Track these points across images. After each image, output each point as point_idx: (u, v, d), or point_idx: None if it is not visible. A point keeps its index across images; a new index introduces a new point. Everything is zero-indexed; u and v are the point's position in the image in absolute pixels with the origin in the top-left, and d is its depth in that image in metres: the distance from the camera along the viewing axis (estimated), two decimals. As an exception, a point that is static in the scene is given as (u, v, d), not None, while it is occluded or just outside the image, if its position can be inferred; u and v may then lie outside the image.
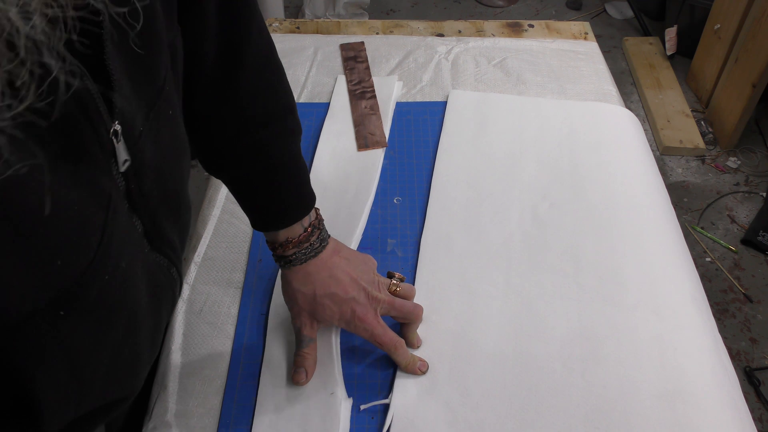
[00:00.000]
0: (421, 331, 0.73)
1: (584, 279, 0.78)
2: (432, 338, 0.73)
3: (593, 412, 0.66)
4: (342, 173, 0.91)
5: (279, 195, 0.65)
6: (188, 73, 0.57)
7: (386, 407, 0.67)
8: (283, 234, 0.66)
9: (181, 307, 0.76)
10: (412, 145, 0.97)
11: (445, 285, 0.75)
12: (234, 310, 0.76)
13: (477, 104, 1.02)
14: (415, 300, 0.73)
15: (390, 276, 0.72)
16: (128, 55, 0.41)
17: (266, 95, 0.63)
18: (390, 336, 0.67)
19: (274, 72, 0.63)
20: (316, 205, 0.69)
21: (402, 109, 1.02)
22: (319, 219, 0.68)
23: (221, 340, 0.74)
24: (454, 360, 0.71)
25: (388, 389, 0.69)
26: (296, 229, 0.66)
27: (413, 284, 0.77)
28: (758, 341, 1.71)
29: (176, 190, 0.55)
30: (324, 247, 0.68)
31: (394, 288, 0.70)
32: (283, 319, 0.75)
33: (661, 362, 0.70)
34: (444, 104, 1.03)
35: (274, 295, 0.77)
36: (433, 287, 0.77)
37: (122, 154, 0.42)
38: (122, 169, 0.43)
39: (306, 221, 0.67)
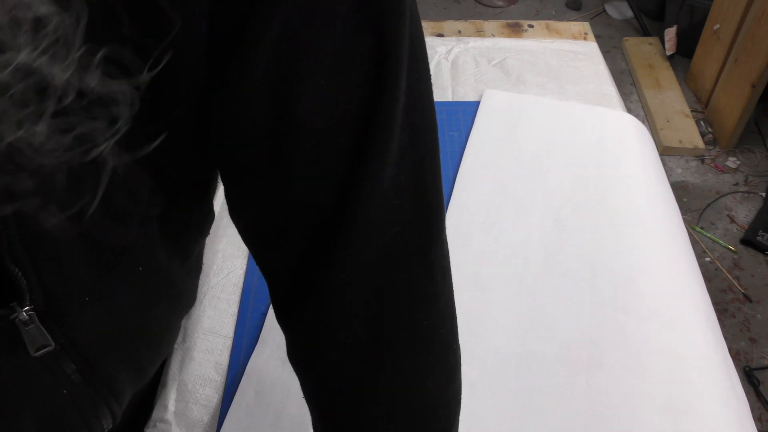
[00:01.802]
0: None
1: (599, 285, 0.78)
2: None
3: (594, 418, 0.66)
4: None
5: None
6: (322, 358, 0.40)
7: None
8: None
9: (182, 306, 0.77)
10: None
11: (458, 280, 0.76)
12: (234, 309, 0.76)
13: (510, 105, 1.02)
14: None
15: None
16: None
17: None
18: None
19: (440, 383, 0.43)
20: None
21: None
22: None
23: (221, 339, 0.74)
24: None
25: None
26: None
27: None
28: (758, 341, 1.71)
29: (138, 342, 0.46)
30: None
31: None
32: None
33: (668, 375, 0.70)
34: (445, 104, 1.03)
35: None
36: None
37: (37, 338, 0.35)
38: (34, 354, 0.35)
39: None
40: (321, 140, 0.33)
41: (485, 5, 2.93)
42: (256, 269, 0.80)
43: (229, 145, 0.34)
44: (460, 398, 0.45)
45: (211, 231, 0.85)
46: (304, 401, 0.65)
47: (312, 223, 0.35)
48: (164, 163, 0.34)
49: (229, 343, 0.73)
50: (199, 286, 0.79)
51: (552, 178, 0.91)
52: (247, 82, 0.30)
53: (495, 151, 0.95)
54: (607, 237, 0.83)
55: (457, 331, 0.44)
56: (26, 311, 0.34)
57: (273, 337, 0.73)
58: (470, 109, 1.02)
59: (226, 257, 0.82)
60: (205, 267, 0.81)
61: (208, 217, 0.48)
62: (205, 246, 0.83)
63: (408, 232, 0.37)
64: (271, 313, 0.75)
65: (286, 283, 0.39)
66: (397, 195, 0.35)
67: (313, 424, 0.46)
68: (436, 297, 0.41)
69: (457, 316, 0.73)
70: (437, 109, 1.10)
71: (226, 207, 0.87)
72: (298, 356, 0.43)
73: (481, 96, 1.05)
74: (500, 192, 0.89)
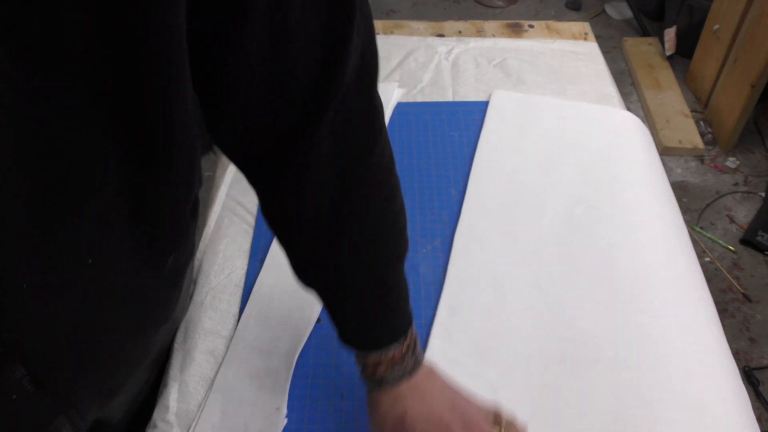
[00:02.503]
0: (448, 325, 0.73)
1: (616, 284, 0.78)
2: (458, 333, 0.73)
3: (616, 417, 0.66)
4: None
5: (383, 317, 0.58)
6: (290, 216, 0.52)
7: None
8: (376, 355, 0.58)
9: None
10: (417, 146, 0.97)
11: (476, 281, 0.76)
12: (235, 310, 0.77)
13: (519, 105, 1.02)
14: (443, 295, 0.72)
15: (497, 419, 0.60)
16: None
17: (380, 224, 0.55)
18: None
19: (389, 194, 0.55)
20: None
21: (402, 110, 1.02)
22: (414, 339, 0.59)
23: (222, 339, 0.74)
24: (480, 355, 0.71)
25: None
26: (391, 350, 0.58)
27: (444, 279, 0.77)
28: (757, 341, 1.71)
29: (96, 351, 0.46)
30: (418, 367, 0.59)
31: None
32: (255, 323, 0.75)
33: (688, 374, 0.70)
34: (446, 104, 1.03)
35: (250, 301, 0.77)
36: (464, 282, 0.78)
37: None
38: None
39: (403, 342, 0.58)
40: (304, 46, 0.42)
41: (485, 5, 2.93)
42: (257, 270, 0.80)
43: (230, 65, 0.40)
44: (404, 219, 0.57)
45: (212, 231, 0.85)
46: (269, 420, 0.65)
47: (291, 104, 0.45)
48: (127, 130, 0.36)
49: (230, 343, 0.73)
50: (200, 286, 0.79)
51: (562, 177, 0.91)
52: (249, 18, 0.38)
53: (506, 151, 0.95)
54: (620, 234, 0.84)
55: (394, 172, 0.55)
56: None
57: (240, 352, 0.72)
58: (471, 110, 1.02)
59: (227, 257, 0.82)
60: (205, 267, 0.81)
61: (184, 232, 0.50)
62: (206, 246, 0.84)
63: (359, 81, 0.47)
64: (239, 329, 0.75)
65: (270, 149, 0.48)
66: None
67: (291, 263, 0.57)
68: (381, 131, 0.52)
69: (476, 315, 0.74)
70: (438, 109, 1.11)
71: (226, 207, 0.87)
72: (274, 214, 0.54)
73: (481, 96, 1.05)
74: (513, 192, 0.89)
